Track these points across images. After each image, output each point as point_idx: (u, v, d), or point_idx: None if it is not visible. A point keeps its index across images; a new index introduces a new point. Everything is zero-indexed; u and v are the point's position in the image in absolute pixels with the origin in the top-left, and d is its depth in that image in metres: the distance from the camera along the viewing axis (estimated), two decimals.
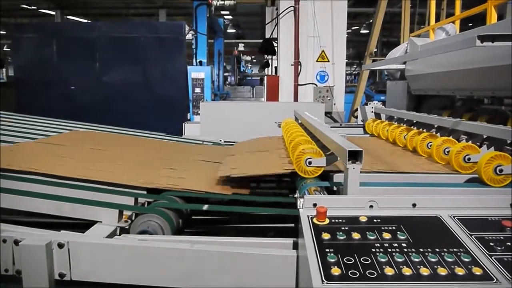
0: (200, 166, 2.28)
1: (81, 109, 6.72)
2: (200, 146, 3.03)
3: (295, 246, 1.29)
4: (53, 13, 16.72)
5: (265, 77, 7.66)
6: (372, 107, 3.72)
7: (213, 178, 1.91)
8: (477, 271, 0.93)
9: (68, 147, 2.36)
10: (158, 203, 1.65)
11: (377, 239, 1.06)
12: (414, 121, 2.89)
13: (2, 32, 18.61)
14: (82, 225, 1.55)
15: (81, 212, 1.58)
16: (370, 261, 0.96)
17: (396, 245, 1.03)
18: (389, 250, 1.01)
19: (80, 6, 17.04)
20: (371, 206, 1.22)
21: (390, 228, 1.11)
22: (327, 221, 1.14)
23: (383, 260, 0.96)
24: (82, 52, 7.20)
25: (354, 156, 1.36)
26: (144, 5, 16.70)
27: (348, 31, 11.65)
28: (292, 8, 6.35)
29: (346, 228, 1.11)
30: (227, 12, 14.67)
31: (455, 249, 1.01)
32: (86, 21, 17.28)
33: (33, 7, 16.42)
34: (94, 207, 1.55)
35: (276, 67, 7.63)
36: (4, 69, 21.96)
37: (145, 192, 1.74)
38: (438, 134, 2.45)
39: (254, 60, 28.73)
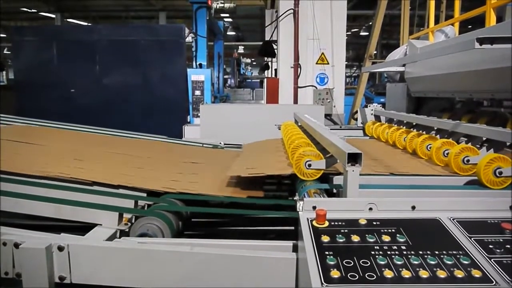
0: (193, 168, 2.29)
1: (82, 112, 6.72)
2: (183, 146, 3.06)
3: (295, 248, 1.29)
4: (53, 16, 16.76)
5: (265, 79, 7.66)
6: (372, 109, 3.73)
7: (222, 181, 1.91)
8: (476, 273, 0.93)
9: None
10: (157, 205, 1.65)
11: (377, 241, 1.06)
12: (414, 123, 2.89)
13: (2, 35, 18.66)
14: (82, 228, 1.55)
15: (81, 215, 1.58)
16: (369, 263, 0.97)
17: (395, 247, 1.03)
18: (389, 252, 1.01)
19: (80, 9, 17.09)
20: (370, 209, 1.22)
21: (389, 230, 1.11)
22: (326, 223, 1.14)
23: (382, 262, 0.97)
24: (82, 55, 7.21)
25: (354, 158, 1.36)
26: (144, 7, 16.75)
27: (347, 33, 11.68)
28: (292, 11, 6.36)
29: (346, 230, 1.11)
30: (227, 15, 14.71)
31: (454, 252, 1.01)
32: (86, 24, 17.30)
33: (33, 10, 16.46)
34: (94, 209, 1.56)
35: (276, 70, 7.64)
36: (4, 72, 22.00)
37: (145, 195, 1.74)
38: (438, 136, 2.45)
39: (254, 63, 28.77)
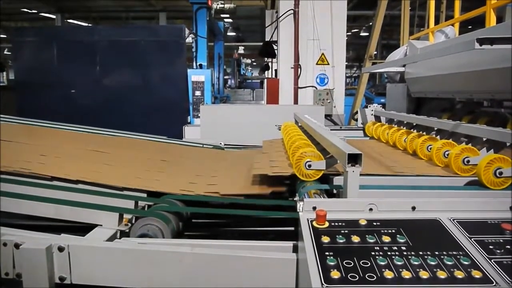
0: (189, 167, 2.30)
1: (82, 112, 6.72)
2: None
3: (295, 249, 1.29)
4: (53, 16, 16.77)
5: (265, 80, 7.66)
6: (372, 110, 3.73)
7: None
8: (476, 274, 0.93)
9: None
10: (158, 206, 1.65)
11: (377, 242, 1.06)
12: (414, 124, 2.89)
13: (2, 36, 18.67)
14: (83, 228, 1.55)
15: (81, 215, 1.58)
16: (369, 264, 0.97)
17: (395, 248, 1.03)
18: (389, 253, 1.01)
19: (81, 10, 17.09)
20: (370, 209, 1.22)
21: (389, 231, 1.11)
22: (326, 224, 1.14)
23: (382, 263, 0.97)
24: (82, 55, 7.21)
25: (354, 159, 1.36)
26: (144, 8, 16.74)
27: (347, 33, 11.68)
28: (292, 11, 6.36)
29: (346, 231, 1.11)
30: (227, 15, 14.72)
31: (454, 252, 1.01)
32: (86, 24, 17.31)
33: (33, 11, 16.47)
34: (95, 210, 1.56)
35: (276, 70, 7.64)
36: (4, 73, 22.02)
37: (145, 195, 1.74)
38: (438, 137, 2.45)
39: (254, 63, 28.77)
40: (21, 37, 7.46)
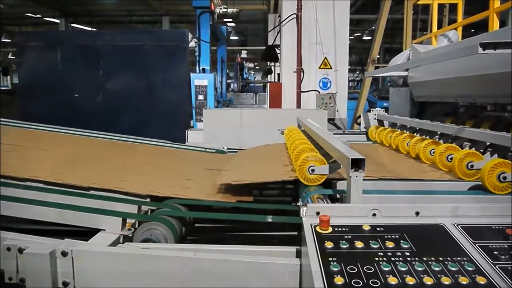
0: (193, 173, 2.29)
1: (85, 116, 6.74)
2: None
3: (298, 254, 1.29)
4: (57, 21, 16.88)
5: (268, 84, 7.67)
6: (375, 114, 3.72)
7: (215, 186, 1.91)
8: (481, 280, 0.92)
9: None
10: (161, 211, 1.65)
11: (380, 247, 1.06)
12: (417, 128, 2.88)
13: (7, 40, 18.80)
14: (86, 233, 1.55)
15: (84, 220, 1.58)
16: (373, 270, 0.96)
17: (399, 254, 1.03)
18: (393, 259, 1.01)
19: (84, 14, 17.20)
20: (374, 215, 1.21)
21: (393, 236, 1.11)
22: (330, 229, 1.14)
23: (386, 269, 0.96)
24: (86, 60, 7.24)
25: (357, 164, 1.35)
26: (148, 12, 16.84)
27: (350, 37, 11.69)
28: (295, 15, 6.37)
29: (349, 236, 1.11)
30: (230, 20, 14.75)
31: (458, 258, 1.01)
32: (90, 29, 17.41)
33: (37, 15, 16.59)
34: (98, 215, 1.56)
35: (279, 74, 7.65)
36: (8, 77, 22.15)
37: (148, 200, 1.74)
38: (441, 141, 2.44)
39: (257, 67, 28.78)
40: (25, 41, 7.50)
